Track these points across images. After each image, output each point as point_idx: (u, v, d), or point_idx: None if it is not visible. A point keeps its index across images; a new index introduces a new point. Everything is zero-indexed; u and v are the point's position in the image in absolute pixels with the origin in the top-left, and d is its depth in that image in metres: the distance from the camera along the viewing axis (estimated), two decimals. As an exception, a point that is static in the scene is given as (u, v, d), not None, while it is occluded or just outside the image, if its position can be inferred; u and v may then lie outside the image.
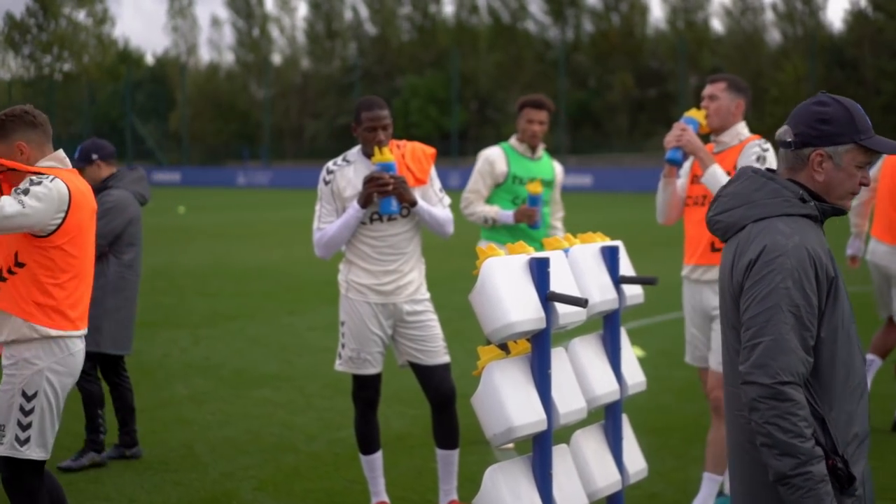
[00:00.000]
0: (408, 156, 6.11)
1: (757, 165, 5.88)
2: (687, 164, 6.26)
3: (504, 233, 7.72)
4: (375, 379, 6.16)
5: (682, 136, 5.91)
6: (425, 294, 6.14)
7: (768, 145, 5.94)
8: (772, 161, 5.87)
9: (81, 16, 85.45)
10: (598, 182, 50.89)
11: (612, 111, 70.29)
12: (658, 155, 51.88)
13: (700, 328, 6.08)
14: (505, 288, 4.13)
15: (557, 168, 8.12)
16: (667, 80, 69.05)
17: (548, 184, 7.86)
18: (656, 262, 18.50)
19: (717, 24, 73.80)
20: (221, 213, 35.36)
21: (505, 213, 7.62)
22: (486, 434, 4.18)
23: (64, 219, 4.79)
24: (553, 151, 58.09)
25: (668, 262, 18.60)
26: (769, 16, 70.95)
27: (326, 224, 6.03)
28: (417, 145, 6.21)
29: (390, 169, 5.89)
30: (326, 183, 6.05)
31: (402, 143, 6.17)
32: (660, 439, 7.52)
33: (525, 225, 7.65)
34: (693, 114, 6.07)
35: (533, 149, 7.87)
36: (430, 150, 6.24)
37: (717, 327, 5.93)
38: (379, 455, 6.26)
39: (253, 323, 12.57)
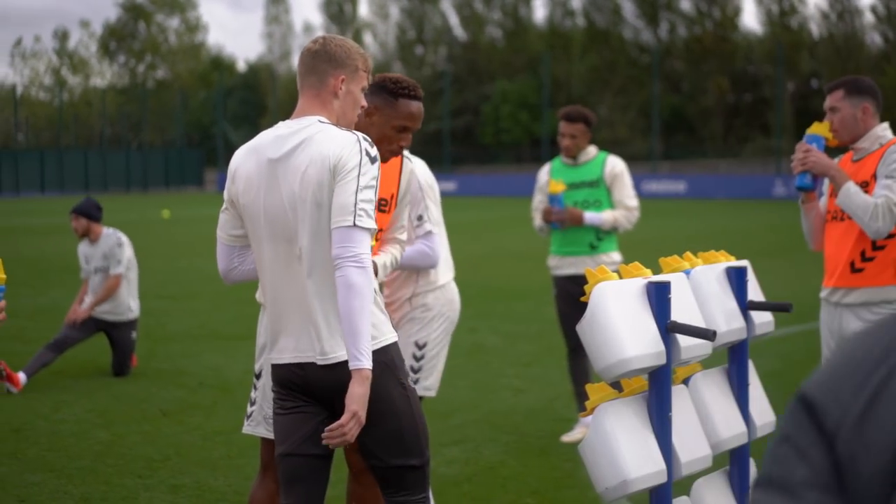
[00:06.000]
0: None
1: None
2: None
3: (556, 241, 7.92)
4: None
5: (806, 159, 5.30)
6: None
7: None
8: None
9: (175, 23, 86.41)
10: (692, 188, 49.90)
11: (706, 116, 69.11)
12: (753, 160, 50.87)
13: None
14: (619, 318, 3.55)
15: (608, 167, 7.90)
16: (763, 84, 67.68)
17: (591, 184, 7.83)
18: (756, 273, 17.71)
19: (813, 28, 71.93)
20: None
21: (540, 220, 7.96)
22: (597, 488, 3.60)
23: None
24: (646, 157, 57.46)
25: (768, 274, 17.84)
26: (868, 18, 69.29)
27: None
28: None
29: None
30: None
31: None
32: (777, 473, 6.85)
33: (571, 229, 7.80)
34: (816, 129, 5.43)
35: (573, 157, 7.91)
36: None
37: None
38: None
39: (338, 336, 12.08)
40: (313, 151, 3.73)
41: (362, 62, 3.97)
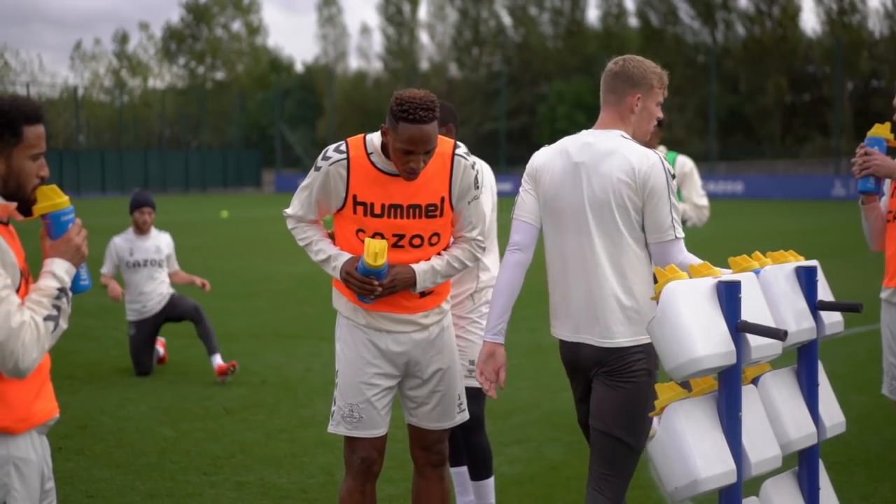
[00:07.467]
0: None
1: None
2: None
3: None
4: None
5: (868, 162, 5.24)
6: None
7: None
8: None
9: (237, 25, 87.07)
10: (750, 189, 49.48)
11: (764, 116, 68.46)
12: (811, 161, 50.15)
13: None
14: (690, 317, 3.54)
15: (678, 167, 7.89)
16: (822, 84, 66.97)
17: None
18: (819, 274, 17.54)
19: (874, 27, 71.03)
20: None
21: None
22: (667, 487, 3.60)
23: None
24: (703, 158, 57.09)
25: (827, 275, 17.57)
26: (930, 16, 68.26)
27: None
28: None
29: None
30: None
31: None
32: (842, 476, 6.79)
33: None
34: (877, 132, 5.37)
35: None
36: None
37: None
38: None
39: (398, 336, 12.11)
40: (622, 162, 4.22)
41: (657, 80, 4.45)
